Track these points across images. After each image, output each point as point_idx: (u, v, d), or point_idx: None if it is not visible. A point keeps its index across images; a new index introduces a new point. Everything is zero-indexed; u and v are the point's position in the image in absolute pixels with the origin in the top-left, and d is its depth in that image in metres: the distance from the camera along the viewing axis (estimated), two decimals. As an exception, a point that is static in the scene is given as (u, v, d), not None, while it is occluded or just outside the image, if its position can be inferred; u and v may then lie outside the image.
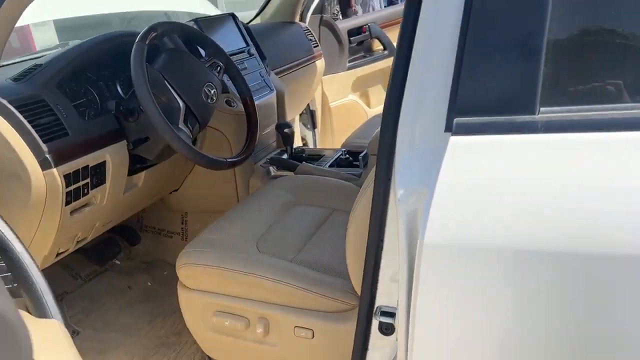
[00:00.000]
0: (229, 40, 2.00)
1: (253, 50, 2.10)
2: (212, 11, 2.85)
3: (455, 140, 0.71)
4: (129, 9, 2.65)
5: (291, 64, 2.39)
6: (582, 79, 0.70)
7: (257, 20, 2.76)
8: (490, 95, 0.70)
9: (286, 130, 1.97)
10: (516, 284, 0.68)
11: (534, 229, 0.66)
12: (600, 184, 0.65)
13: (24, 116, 1.27)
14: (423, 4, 0.74)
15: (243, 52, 2.04)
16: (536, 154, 0.68)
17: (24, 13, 1.20)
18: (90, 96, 1.52)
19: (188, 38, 1.61)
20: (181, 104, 1.41)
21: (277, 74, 2.27)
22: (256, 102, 1.93)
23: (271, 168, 1.97)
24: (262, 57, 2.16)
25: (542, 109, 0.68)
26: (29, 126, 1.26)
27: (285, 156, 2.05)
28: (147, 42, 1.36)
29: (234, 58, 1.95)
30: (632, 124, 0.66)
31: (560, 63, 0.69)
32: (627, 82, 0.69)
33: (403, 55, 0.76)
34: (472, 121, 0.71)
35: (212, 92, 1.50)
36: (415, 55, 0.75)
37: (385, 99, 0.79)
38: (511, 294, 0.69)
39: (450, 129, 0.72)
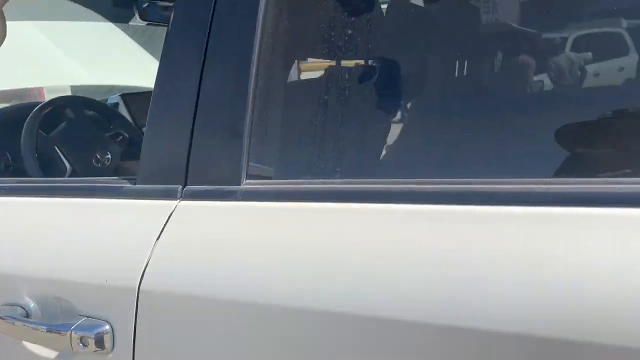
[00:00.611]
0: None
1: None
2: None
3: (182, 204, 0.85)
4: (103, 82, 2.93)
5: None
6: (278, 158, 0.84)
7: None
8: (208, 168, 0.85)
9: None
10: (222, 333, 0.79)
11: (224, 281, 0.78)
12: (284, 245, 0.78)
13: None
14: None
15: (169, 124, 2.24)
16: (236, 218, 0.81)
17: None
18: (4, 157, 1.71)
19: (93, 110, 1.82)
20: (68, 167, 1.59)
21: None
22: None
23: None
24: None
25: (246, 180, 0.82)
26: None
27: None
28: (42, 113, 1.57)
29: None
30: (319, 196, 0.79)
31: (262, 145, 0.84)
32: (316, 162, 0.83)
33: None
34: (196, 189, 0.85)
35: (105, 158, 1.69)
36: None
37: None
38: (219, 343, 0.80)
39: (182, 194, 0.86)
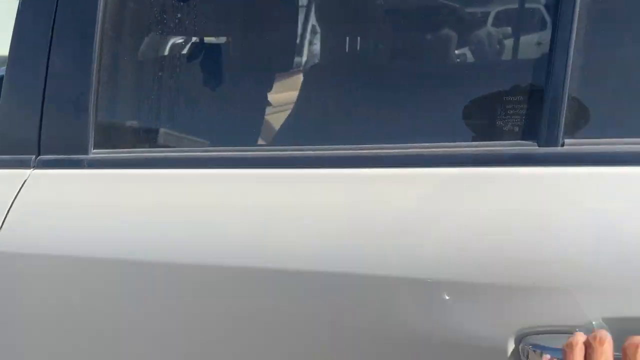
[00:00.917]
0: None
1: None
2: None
3: (35, 172, 0.92)
4: None
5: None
6: (121, 129, 0.92)
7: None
8: (59, 139, 0.92)
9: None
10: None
11: (68, 240, 0.86)
12: (124, 206, 0.86)
13: None
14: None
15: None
16: (82, 185, 0.89)
17: None
18: None
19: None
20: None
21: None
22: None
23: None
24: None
25: (93, 150, 0.90)
26: None
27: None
28: None
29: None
30: (158, 163, 0.88)
31: (107, 117, 0.92)
32: (155, 132, 0.91)
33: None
34: (47, 158, 0.92)
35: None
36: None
37: None
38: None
39: (35, 163, 0.92)
